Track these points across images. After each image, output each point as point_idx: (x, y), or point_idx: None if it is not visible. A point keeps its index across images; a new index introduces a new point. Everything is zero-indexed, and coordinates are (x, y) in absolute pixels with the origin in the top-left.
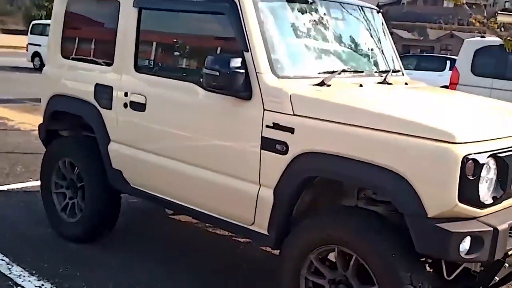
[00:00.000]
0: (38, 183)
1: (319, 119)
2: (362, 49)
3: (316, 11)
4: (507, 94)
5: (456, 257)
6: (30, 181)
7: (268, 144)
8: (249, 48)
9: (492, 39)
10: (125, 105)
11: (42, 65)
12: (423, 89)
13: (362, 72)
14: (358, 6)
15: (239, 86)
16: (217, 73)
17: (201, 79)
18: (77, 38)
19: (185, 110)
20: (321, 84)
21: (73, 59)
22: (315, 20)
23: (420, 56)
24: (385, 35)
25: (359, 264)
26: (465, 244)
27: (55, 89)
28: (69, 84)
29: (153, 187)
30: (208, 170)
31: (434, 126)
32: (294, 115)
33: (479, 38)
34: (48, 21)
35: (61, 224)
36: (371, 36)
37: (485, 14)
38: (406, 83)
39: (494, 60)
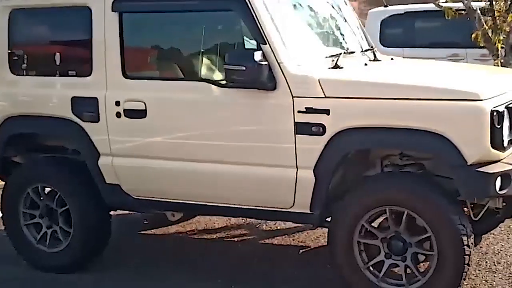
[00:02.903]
0: None
1: (353, 97)
2: (346, 31)
3: None
4: None
5: (494, 194)
6: None
7: (302, 128)
8: (266, 40)
9: (396, 8)
10: (118, 115)
11: None
12: (413, 61)
13: (354, 52)
14: None
15: (265, 78)
16: (243, 68)
17: (212, 77)
18: (31, 52)
19: (200, 110)
20: (336, 67)
21: (28, 75)
22: (307, 8)
23: None
24: (354, 15)
25: (409, 218)
26: (498, 183)
27: (8, 111)
28: (31, 103)
29: (167, 193)
30: (237, 164)
31: (461, 89)
32: (326, 97)
33: (383, 8)
34: None
35: (41, 257)
36: (347, 18)
37: None
38: (392, 58)
39: (402, 29)
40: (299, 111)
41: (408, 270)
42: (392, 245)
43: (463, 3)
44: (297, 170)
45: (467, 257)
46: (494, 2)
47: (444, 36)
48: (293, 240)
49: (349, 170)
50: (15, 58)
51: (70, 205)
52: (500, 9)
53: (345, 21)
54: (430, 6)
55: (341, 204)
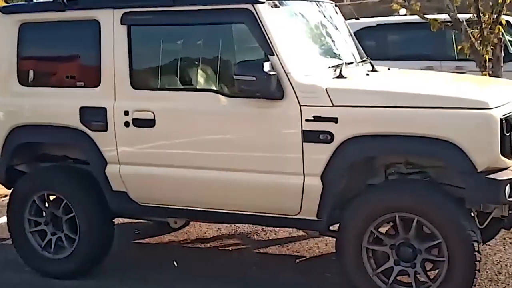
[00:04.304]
0: None
1: (362, 106)
2: (344, 42)
3: (308, 11)
4: None
5: (504, 200)
6: None
7: (310, 136)
8: (274, 51)
9: (368, 20)
10: (127, 124)
11: None
12: (411, 71)
13: (352, 63)
14: (323, 2)
15: (274, 88)
16: (253, 78)
17: (221, 87)
18: (39, 63)
19: (208, 119)
20: (340, 76)
21: (37, 86)
22: (309, 20)
23: None
24: (346, 26)
25: (419, 224)
26: (507, 190)
27: (16, 121)
28: (39, 113)
29: (175, 200)
30: (244, 172)
31: (471, 98)
32: (334, 106)
33: (354, 21)
34: None
35: (46, 263)
36: (343, 29)
37: None
38: (388, 69)
39: (374, 42)
40: (306, 120)
41: (418, 277)
42: (401, 251)
43: (449, 14)
44: (304, 177)
45: (477, 263)
46: (481, 14)
47: (418, 49)
48: (287, 249)
49: (353, 178)
50: (24, 69)
51: (76, 213)
52: (487, 20)
53: (340, 32)
54: (403, 19)
55: (350, 210)
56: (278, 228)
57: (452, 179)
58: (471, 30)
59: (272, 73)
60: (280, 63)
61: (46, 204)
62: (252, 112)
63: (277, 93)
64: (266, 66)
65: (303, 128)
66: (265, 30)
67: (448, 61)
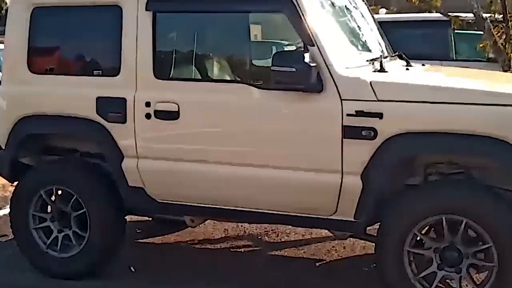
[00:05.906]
0: None
1: (410, 101)
2: (375, 35)
3: (342, 2)
4: None
5: None
6: None
7: (351, 132)
8: (314, 42)
9: None
10: (148, 116)
11: None
12: (448, 67)
13: (387, 57)
14: None
15: (314, 80)
16: (294, 69)
17: (253, 79)
18: (53, 50)
19: (239, 112)
20: (382, 70)
21: (49, 73)
22: (344, 11)
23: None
24: (374, 20)
25: (465, 228)
26: None
27: (25, 110)
28: (50, 102)
29: (198, 197)
30: (276, 169)
31: None
32: (378, 100)
33: None
34: None
35: (51, 262)
36: (372, 22)
37: None
38: (423, 64)
39: None
40: (348, 114)
41: (463, 282)
42: (446, 255)
43: (472, 12)
44: (342, 176)
45: None
46: (507, 11)
47: (416, 48)
48: (304, 252)
49: (392, 178)
50: (35, 56)
51: (88, 209)
52: None
53: (370, 25)
54: (400, 16)
55: (394, 211)
56: (290, 230)
57: (499, 180)
58: (496, 29)
59: (312, 64)
60: (321, 54)
61: (53, 200)
62: (287, 105)
63: (316, 86)
64: (307, 57)
65: (344, 124)
66: (305, 19)
67: (447, 61)
